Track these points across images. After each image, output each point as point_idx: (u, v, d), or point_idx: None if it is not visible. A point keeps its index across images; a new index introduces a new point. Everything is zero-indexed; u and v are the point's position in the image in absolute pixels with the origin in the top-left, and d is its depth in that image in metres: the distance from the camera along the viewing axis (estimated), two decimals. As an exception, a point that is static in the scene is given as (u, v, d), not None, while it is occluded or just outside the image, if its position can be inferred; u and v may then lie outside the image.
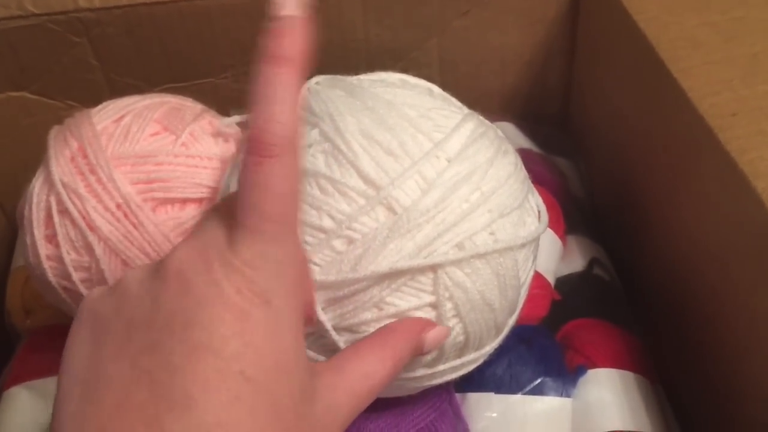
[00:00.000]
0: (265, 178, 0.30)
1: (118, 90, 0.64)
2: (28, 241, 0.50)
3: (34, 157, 0.56)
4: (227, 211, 0.32)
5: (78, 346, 0.33)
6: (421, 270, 0.39)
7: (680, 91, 0.49)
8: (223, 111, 0.58)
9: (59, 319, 0.57)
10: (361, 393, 0.34)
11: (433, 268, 0.40)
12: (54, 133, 0.52)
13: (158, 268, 0.32)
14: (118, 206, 0.47)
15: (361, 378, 0.34)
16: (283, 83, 0.30)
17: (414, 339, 0.38)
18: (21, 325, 0.63)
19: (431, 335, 0.39)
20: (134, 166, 0.48)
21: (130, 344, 0.30)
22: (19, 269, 0.64)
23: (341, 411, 0.33)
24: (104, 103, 0.53)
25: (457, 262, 0.40)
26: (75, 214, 0.47)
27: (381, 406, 0.47)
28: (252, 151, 0.30)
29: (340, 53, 0.68)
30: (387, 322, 0.39)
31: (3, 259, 0.69)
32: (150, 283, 0.32)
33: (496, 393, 0.50)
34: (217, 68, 0.67)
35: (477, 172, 0.41)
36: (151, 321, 0.30)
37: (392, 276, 0.39)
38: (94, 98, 0.64)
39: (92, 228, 0.47)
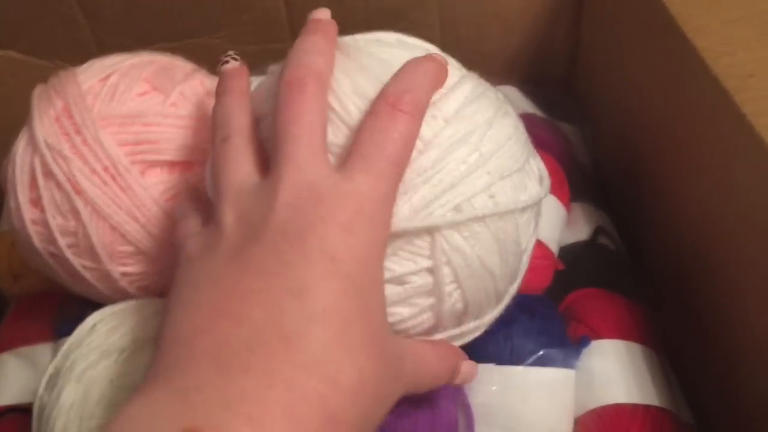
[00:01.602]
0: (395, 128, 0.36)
1: (108, 49, 0.61)
2: (12, 205, 0.48)
3: (20, 119, 0.54)
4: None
5: (184, 272, 0.36)
6: (417, 233, 0.38)
7: (694, 51, 0.47)
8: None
9: (48, 285, 0.55)
10: (418, 380, 0.38)
11: (430, 231, 0.38)
12: (38, 92, 0.50)
13: (268, 189, 0.35)
14: (105, 169, 0.45)
15: (426, 368, 0.39)
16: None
17: (456, 367, 0.41)
18: (9, 291, 0.62)
19: (465, 368, 0.41)
20: (121, 126, 0.46)
21: (240, 252, 0.33)
22: (5, 233, 0.63)
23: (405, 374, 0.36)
24: (90, 62, 0.51)
25: (454, 225, 0.38)
26: (60, 176, 0.45)
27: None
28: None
29: (339, 12, 0.66)
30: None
31: (-11, 223, 0.67)
32: (263, 196, 0.35)
33: (497, 364, 0.49)
34: (211, 27, 0.64)
35: (475, 132, 0.40)
36: (263, 230, 0.33)
37: (388, 238, 0.37)
38: (82, 58, 0.61)
39: (78, 191, 0.45)
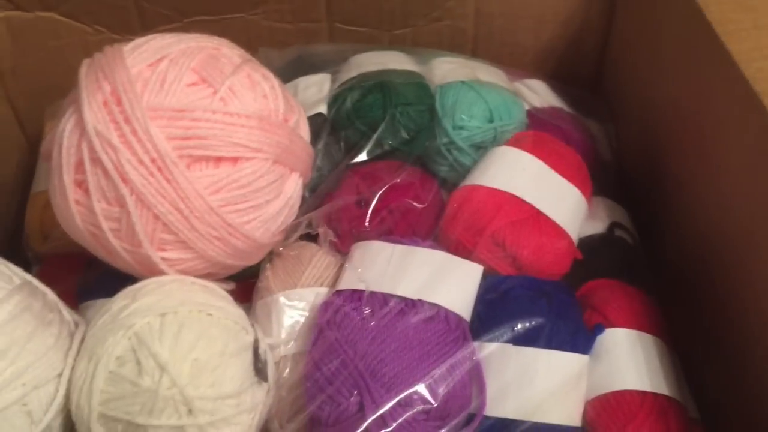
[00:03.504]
0: None
1: (148, 18, 0.62)
2: (56, 183, 0.49)
3: (59, 81, 0.54)
4: None
5: None
6: None
7: (726, 55, 0.48)
8: (252, 48, 0.57)
9: (76, 247, 0.57)
10: None
11: None
12: (84, 70, 0.50)
13: None
14: (153, 161, 0.47)
15: None
16: None
17: None
18: (39, 249, 0.63)
19: None
20: (171, 120, 0.47)
21: None
22: (38, 194, 0.64)
23: None
24: (137, 42, 0.51)
25: None
26: (108, 165, 0.47)
27: (399, 350, 0.48)
28: None
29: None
30: None
31: (23, 181, 0.68)
32: None
33: (513, 345, 0.51)
34: (248, 4, 0.64)
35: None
36: None
37: None
38: (122, 25, 0.62)
39: (125, 180, 0.47)
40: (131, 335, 0.45)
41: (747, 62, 0.47)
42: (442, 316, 0.50)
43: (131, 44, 0.51)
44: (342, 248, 0.57)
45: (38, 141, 0.66)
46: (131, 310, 0.47)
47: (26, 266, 0.63)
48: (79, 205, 0.49)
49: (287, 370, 0.51)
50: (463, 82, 0.62)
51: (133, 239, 0.48)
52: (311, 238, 0.58)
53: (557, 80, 0.71)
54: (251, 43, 0.59)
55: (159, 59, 0.50)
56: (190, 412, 0.44)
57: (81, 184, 0.48)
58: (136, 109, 0.47)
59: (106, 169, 0.47)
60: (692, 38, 0.54)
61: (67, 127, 0.49)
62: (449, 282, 0.52)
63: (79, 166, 0.48)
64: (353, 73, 0.63)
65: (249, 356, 0.48)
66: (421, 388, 0.47)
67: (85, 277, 0.60)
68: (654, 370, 0.52)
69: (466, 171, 0.60)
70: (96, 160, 0.47)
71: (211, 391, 0.45)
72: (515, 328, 0.51)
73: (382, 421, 0.46)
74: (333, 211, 0.57)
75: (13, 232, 0.68)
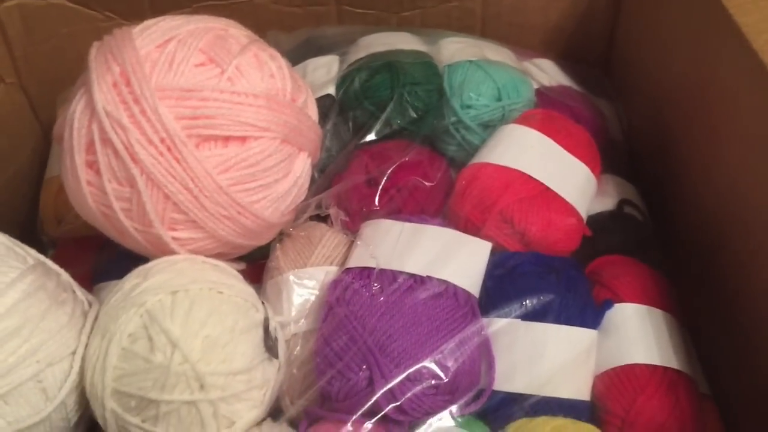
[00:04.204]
0: None
1: (158, 4, 0.62)
2: (68, 164, 0.50)
3: (71, 68, 0.55)
4: None
5: None
6: None
7: (735, 27, 0.48)
8: (261, 32, 0.57)
9: (89, 230, 0.58)
10: None
11: None
12: (94, 52, 0.51)
13: None
14: (162, 140, 0.47)
15: None
16: None
17: None
18: (53, 234, 0.64)
19: None
20: (179, 100, 0.47)
21: None
22: (52, 179, 0.65)
23: None
24: (145, 24, 0.52)
25: None
26: (118, 145, 0.47)
27: (407, 325, 0.49)
28: None
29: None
30: None
31: (37, 167, 0.69)
32: None
33: (522, 320, 0.51)
34: (257, -13, 0.65)
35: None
36: None
37: None
38: (134, 11, 0.62)
39: (135, 160, 0.47)
40: (143, 312, 0.46)
41: (756, 34, 0.47)
42: (450, 292, 0.51)
43: (140, 26, 0.52)
44: (352, 228, 0.57)
45: (52, 128, 0.67)
46: (143, 288, 0.47)
47: (42, 250, 0.64)
48: (91, 186, 0.49)
49: (298, 348, 0.52)
50: (470, 61, 0.62)
51: (144, 219, 0.49)
52: (321, 218, 0.58)
53: (566, 59, 0.71)
54: (260, 27, 0.59)
55: (167, 40, 0.50)
56: (201, 387, 0.45)
57: (92, 165, 0.49)
58: (145, 90, 0.47)
59: (116, 149, 0.47)
60: (700, 12, 0.53)
61: (77, 108, 0.49)
62: (458, 259, 0.52)
63: (90, 146, 0.49)
64: (361, 54, 0.64)
65: (259, 333, 0.48)
66: (430, 363, 0.47)
67: (99, 260, 0.61)
68: (663, 344, 0.52)
69: (475, 150, 0.60)
70: (106, 141, 0.48)
71: (223, 366, 0.45)
72: (524, 304, 0.51)
73: (392, 395, 0.46)
74: (343, 191, 0.58)
75: (28, 218, 0.69)
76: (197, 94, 0.48)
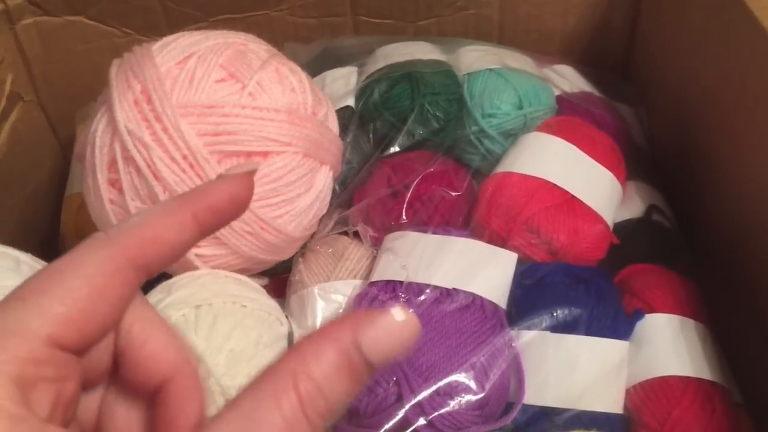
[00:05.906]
0: None
1: (174, 19, 0.62)
2: (90, 183, 0.50)
3: (89, 84, 0.55)
4: None
5: None
6: None
7: (762, 31, 0.47)
8: (278, 44, 0.57)
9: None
10: None
11: None
12: (115, 70, 0.51)
13: None
14: (185, 157, 0.47)
15: None
16: None
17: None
18: (74, 251, 0.64)
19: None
20: (200, 116, 0.47)
21: None
22: (72, 196, 0.64)
23: None
24: (165, 40, 0.52)
25: None
26: (141, 163, 0.47)
27: (435, 338, 0.48)
28: None
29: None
30: None
31: (57, 185, 0.69)
32: None
33: (552, 332, 0.50)
34: (272, 0, 0.65)
35: None
36: None
37: None
38: (150, 27, 0.62)
39: (158, 178, 0.47)
40: (168, 329, 0.46)
41: (780, 37, 0.46)
42: (477, 304, 0.50)
43: (159, 43, 0.52)
44: (378, 242, 0.56)
45: (71, 145, 0.67)
46: (166, 303, 0.47)
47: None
48: (114, 204, 0.49)
49: (324, 363, 0.51)
50: (490, 70, 0.62)
51: (168, 236, 0.48)
52: (343, 232, 0.58)
53: (585, 65, 0.71)
54: (276, 39, 0.59)
55: (187, 56, 0.50)
56: (227, 402, 0.44)
57: (115, 183, 0.49)
58: (166, 107, 0.47)
59: (138, 167, 0.47)
60: (724, 16, 0.53)
61: (99, 126, 0.49)
62: (484, 270, 0.52)
63: (112, 165, 0.49)
64: (380, 65, 0.63)
65: (284, 347, 0.48)
66: (460, 377, 0.47)
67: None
68: (697, 355, 0.51)
69: (497, 159, 0.59)
70: (129, 159, 0.48)
71: (248, 380, 0.45)
72: (553, 315, 0.50)
73: (421, 410, 0.46)
74: (366, 206, 0.57)
75: (48, 236, 0.69)
76: (218, 110, 0.48)
